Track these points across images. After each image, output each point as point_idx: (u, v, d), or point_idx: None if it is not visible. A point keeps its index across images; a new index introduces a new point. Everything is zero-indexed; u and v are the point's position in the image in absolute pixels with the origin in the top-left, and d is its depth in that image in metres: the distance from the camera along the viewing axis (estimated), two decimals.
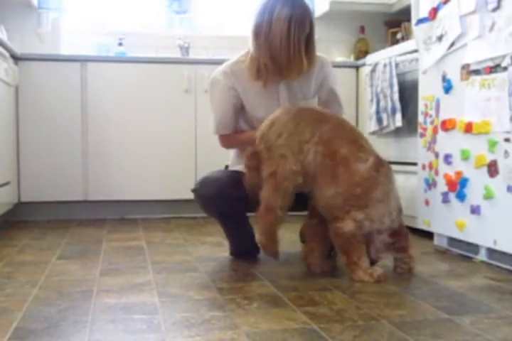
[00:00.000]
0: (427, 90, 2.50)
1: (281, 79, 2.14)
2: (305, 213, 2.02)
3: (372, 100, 3.13)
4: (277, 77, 2.11)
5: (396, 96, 2.93)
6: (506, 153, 1.98)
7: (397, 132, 2.99)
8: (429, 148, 2.49)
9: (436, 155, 2.42)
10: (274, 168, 1.77)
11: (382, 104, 3.04)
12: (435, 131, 2.43)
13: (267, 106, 2.16)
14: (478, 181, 2.14)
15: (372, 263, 1.88)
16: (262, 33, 2.05)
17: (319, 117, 1.83)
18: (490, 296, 1.68)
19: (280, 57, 2.04)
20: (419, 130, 2.58)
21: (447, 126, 2.33)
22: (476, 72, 2.14)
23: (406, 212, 2.87)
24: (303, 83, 2.19)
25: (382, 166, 1.81)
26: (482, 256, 2.17)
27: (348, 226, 1.77)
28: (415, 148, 2.65)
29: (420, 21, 2.49)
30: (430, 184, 2.47)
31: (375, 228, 1.82)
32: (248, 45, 2.13)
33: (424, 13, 2.46)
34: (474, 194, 2.16)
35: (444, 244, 2.43)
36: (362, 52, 4.03)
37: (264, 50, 2.07)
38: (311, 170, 1.79)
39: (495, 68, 2.03)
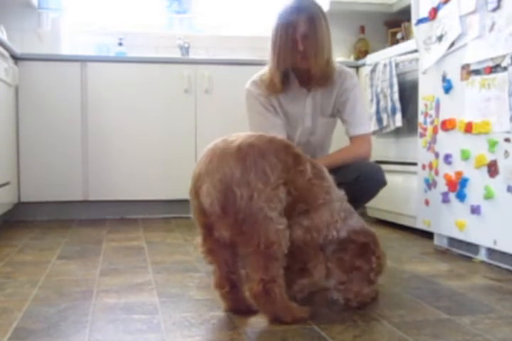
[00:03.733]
0: (427, 90, 2.50)
1: (308, 92, 2.13)
2: None
3: (372, 100, 3.13)
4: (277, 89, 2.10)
5: (396, 96, 2.93)
6: (506, 153, 1.98)
7: (397, 132, 2.99)
8: (429, 148, 2.49)
9: (436, 155, 2.42)
10: (263, 236, 1.35)
11: (382, 104, 3.04)
12: (435, 131, 2.43)
13: (293, 119, 2.16)
14: (478, 181, 2.14)
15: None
16: (270, 42, 2.06)
17: (260, 150, 1.41)
18: (490, 296, 1.68)
19: (270, 62, 2.06)
20: (419, 130, 2.58)
21: (447, 126, 2.33)
22: (476, 72, 2.14)
23: (406, 212, 2.88)
24: (325, 98, 2.15)
25: (314, 167, 1.54)
26: (482, 256, 2.17)
27: (294, 232, 1.46)
28: (415, 148, 2.65)
29: (420, 21, 2.49)
30: (430, 184, 2.47)
31: (321, 236, 1.52)
32: None
33: (424, 13, 2.46)
34: (474, 194, 2.16)
35: (444, 244, 2.43)
36: (362, 52, 4.03)
37: (269, 60, 2.10)
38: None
39: (495, 68, 2.03)
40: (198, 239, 1.51)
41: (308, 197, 1.50)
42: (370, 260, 1.55)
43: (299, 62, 2.03)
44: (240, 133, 1.48)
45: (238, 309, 1.50)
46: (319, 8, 2.06)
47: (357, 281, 1.55)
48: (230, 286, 1.49)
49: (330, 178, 1.59)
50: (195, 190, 1.41)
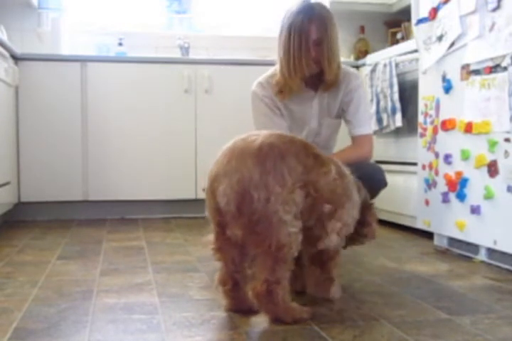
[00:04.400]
0: (427, 90, 2.50)
1: (315, 93, 2.13)
2: None
3: (372, 100, 3.13)
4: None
5: (396, 96, 2.93)
6: (506, 153, 1.98)
7: (397, 132, 2.99)
8: (429, 148, 2.49)
9: (437, 155, 2.42)
10: (275, 238, 1.36)
11: (382, 104, 3.04)
12: (435, 131, 2.43)
13: (299, 120, 2.17)
14: (478, 181, 2.14)
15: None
16: (281, 47, 2.07)
17: (280, 151, 1.40)
18: (490, 296, 1.68)
19: (283, 68, 2.06)
20: (419, 130, 2.58)
21: (447, 126, 2.33)
22: (476, 72, 2.14)
23: (406, 212, 2.88)
24: (331, 99, 2.16)
25: (338, 165, 1.59)
26: (482, 256, 2.17)
27: (333, 242, 1.55)
28: (415, 148, 2.65)
29: (420, 21, 2.49)
30: (430, 184, 2.47)
31: (350, 231, 1.62)
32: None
33: (424, 13, 2.46)
34: (474, 194, 2.16)
35: (444, 244, 2.43)
36: (362, 52, 4.03)
37: (278, 61, 2.10)
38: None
39: (495, 68, 2.03)
40: (210, 237, 1.51)
41: (333, 197, 1.50)
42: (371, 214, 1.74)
43: (313, 67, 2.04)
44: (261, 132, 1.47)
45: (239, 308, 1.51)
46: (329, 12, 2.06)
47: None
48: (232, 284, 1.49)
49: (347, 171, 1.62)
50: (212, 190, 1.41)
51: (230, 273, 1.49)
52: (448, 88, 2.32)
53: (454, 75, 2.28)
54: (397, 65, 2.95)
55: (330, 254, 1.60)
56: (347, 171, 1.62)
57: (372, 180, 2.05)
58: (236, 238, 1.42)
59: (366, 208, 1.73)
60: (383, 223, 3.18)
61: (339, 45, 2.07)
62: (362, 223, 1.71)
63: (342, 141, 2.28)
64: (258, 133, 1.45)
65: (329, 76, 2.06)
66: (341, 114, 2.19)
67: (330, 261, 1.61)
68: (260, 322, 1.42)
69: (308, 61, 2.02)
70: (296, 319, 1.42)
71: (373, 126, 3.08)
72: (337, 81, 2.10)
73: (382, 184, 2.11)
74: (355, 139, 2.17)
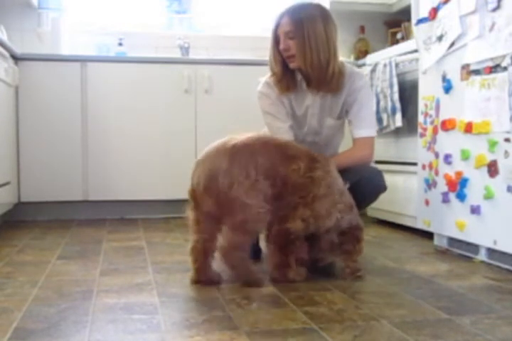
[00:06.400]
0: (427, 90, 2.50)
1: (316, 93, 2.13)
2: None
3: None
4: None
5: (396, 96, 2.93)
6: (506, 153, 1.98)
7: (397, 132, 2.99)
8: (429, 148, 2.49)
9: (436, 155, 2.42)
10: (241, 216, 1.68)
11: (382, 104, 3.04)
12: (435, 131, 2.43)
13: (300, 119, 2.17)
14: (478, 181, 2.14)
15: (316, 262, 1.89)
16: None
17: (251, 150, 1.73)
18: (490, 296, 1.68)
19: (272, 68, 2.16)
20: (419, 130, 2.58)
21: (447, 126, 2.33)
22: (476, 72, 2.14)
23: (406, 212, 2.88)
24: (334, 99, 2.14)
25: (316, 162, 1.80)
26: (482, 256, 2.17)
27: (296, 226, 1.75)
28: (415, 148, 2.65)
29: (420, 21, 2.49)
30: (430, 184, 2.47)
31: (321, 225, 1.79)
32: None
33: (424, 13, 2.46)
34: (474, 194, 2.16)
35: (444, 244, 2.43)
36: (362, 52, 4.03)
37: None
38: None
39: (495, 68, 2.03)
40: (188, 212, 1.79)
41: (303, 190, 1.76)
42: (355, 246, 1.87)
43: (289, 61, 2.07)
44: (244, 134, 1.78)
45: (203, 278, 1.78)
46: (317, 10, 2.04)
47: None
48: (202, 252, 1.77)
49: (334, 172, 1.85)
50: (193, 172, 1.79)
51: (202, 241, 1.77)
52: (448, 88, 2.32)
53: (454, 75, 2.28)
54: (397, 65, 2.95)
55: (290, 238, 1.77)
56: (334, 173, 1.84)
57: (371, 184, 2.05)
58: (210, 212, 1.72)
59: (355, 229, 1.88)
60: (383, 223, 3.18)
61: (331, 46, 2.02)
62: (342, 251, 1.88)
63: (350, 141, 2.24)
64: (243, 135, 1.78)
65: (308, 72, 2.05)
66: (344, 115, 2.18)
67: (289, 244, 1.78)
68: (260, 322, 1.43)
69: (275, 51, 2.09)
70: (251, 279, 1.75)
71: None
72: (325, 82, 2.07)
73: (382, 188, 2.10)
74: (355, 142, 2.15)
